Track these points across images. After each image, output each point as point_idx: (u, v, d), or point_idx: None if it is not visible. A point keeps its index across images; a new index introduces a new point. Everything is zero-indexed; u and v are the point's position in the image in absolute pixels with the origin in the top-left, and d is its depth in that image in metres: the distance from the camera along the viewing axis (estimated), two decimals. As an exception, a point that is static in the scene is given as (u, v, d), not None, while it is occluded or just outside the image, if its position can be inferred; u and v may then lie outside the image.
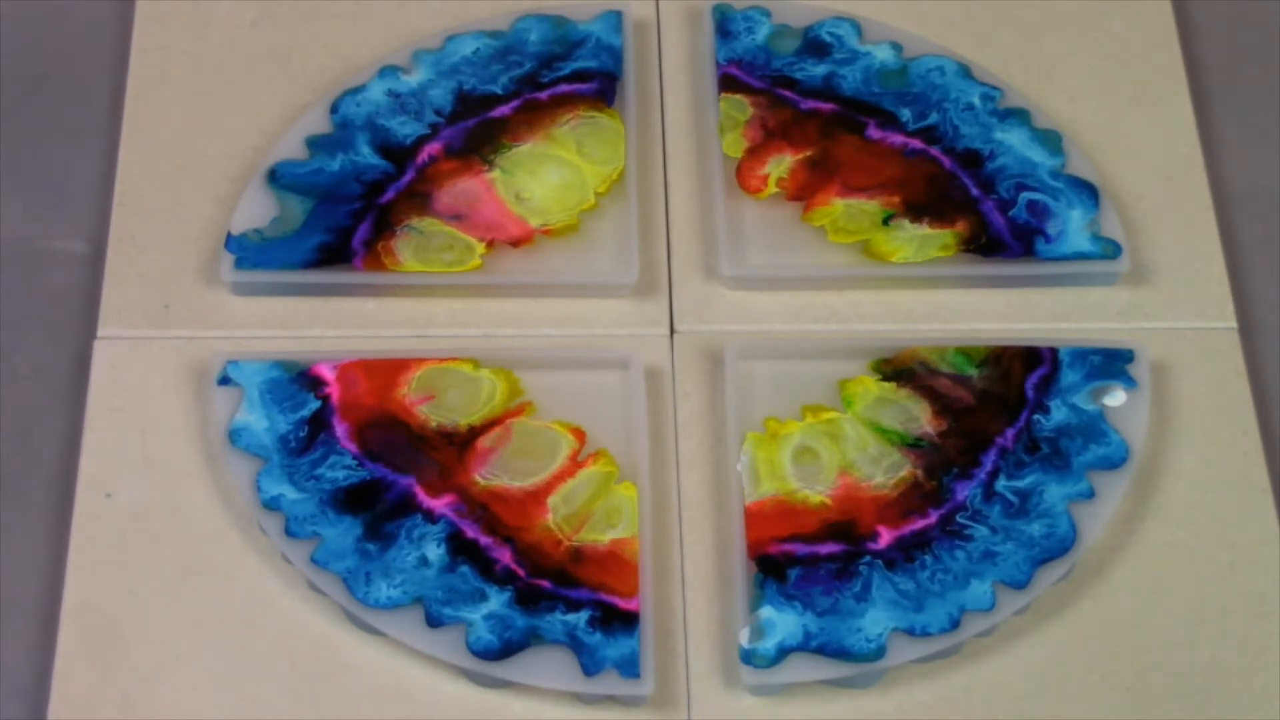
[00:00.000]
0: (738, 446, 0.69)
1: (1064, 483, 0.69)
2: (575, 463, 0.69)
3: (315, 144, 0.75)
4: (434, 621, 0.65)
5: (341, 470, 0.68)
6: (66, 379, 0.73)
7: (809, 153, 0.76)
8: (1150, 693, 0.66)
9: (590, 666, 0.65)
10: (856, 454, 0.70)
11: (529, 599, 0.66)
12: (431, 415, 0.70)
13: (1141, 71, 0.80)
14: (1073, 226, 0.74)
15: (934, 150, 0.76)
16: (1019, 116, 0.77)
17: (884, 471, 0.69)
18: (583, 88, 0.77)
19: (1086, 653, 0.67)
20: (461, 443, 0.69)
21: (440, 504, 0.68)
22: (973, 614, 0.66)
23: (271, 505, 0.67)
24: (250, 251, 0.73)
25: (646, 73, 0.80)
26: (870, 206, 0.75)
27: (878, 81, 0.78)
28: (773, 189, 0.76)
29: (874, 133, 0.77)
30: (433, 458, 0.69)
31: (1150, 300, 0.75)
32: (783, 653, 0.65)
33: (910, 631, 0.66)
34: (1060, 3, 0.82)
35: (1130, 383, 0.71)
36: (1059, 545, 0.67)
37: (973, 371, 0.71)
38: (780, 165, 0.76)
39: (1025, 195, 0.75)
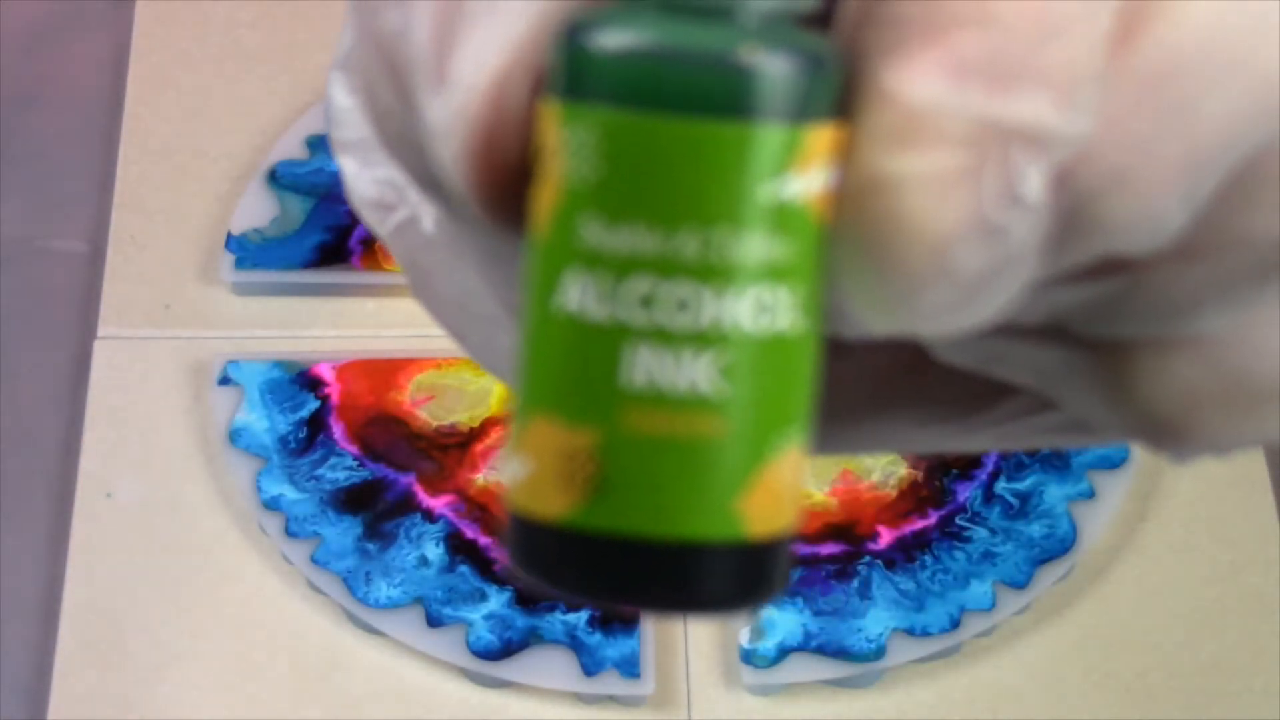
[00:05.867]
0: (738, 446, 0.69)
1: (1064, 483, 0.69)
2: (575, 463, 0.69)
3: (315, 144, 0.75)
4: (434, 621, 0.65)
5: (342, 471, 0.68)
6: (66, 379, 0.73)
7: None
8: (1150, 693, 0.66)
9: (590, 666, 0.65)
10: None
11: (529, 599, 0.66)
12: (431, 416, 0.70)
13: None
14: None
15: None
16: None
17: (884, 472, 0.69)
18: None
19: (1086, 653, 0.67)
20: (461, 443, 0.69)
21: (439, 503, 0.68)
22: (973, 614, 0.66)
23: (271, 505, 0.67)
24: (250, 251, 0.73)
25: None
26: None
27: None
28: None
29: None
30: (432, 458, 0.69)
31: (1150, 300, 0.75)
32: (783, 653, 0.65)
33: (910, 631, 0.66)
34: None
35: (1130, 383, 0.71)
36: (1059, 545, 0.67)
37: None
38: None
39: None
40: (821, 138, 0.18)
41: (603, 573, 0.19)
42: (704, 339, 0.19)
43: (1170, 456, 0.21)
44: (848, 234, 0.18)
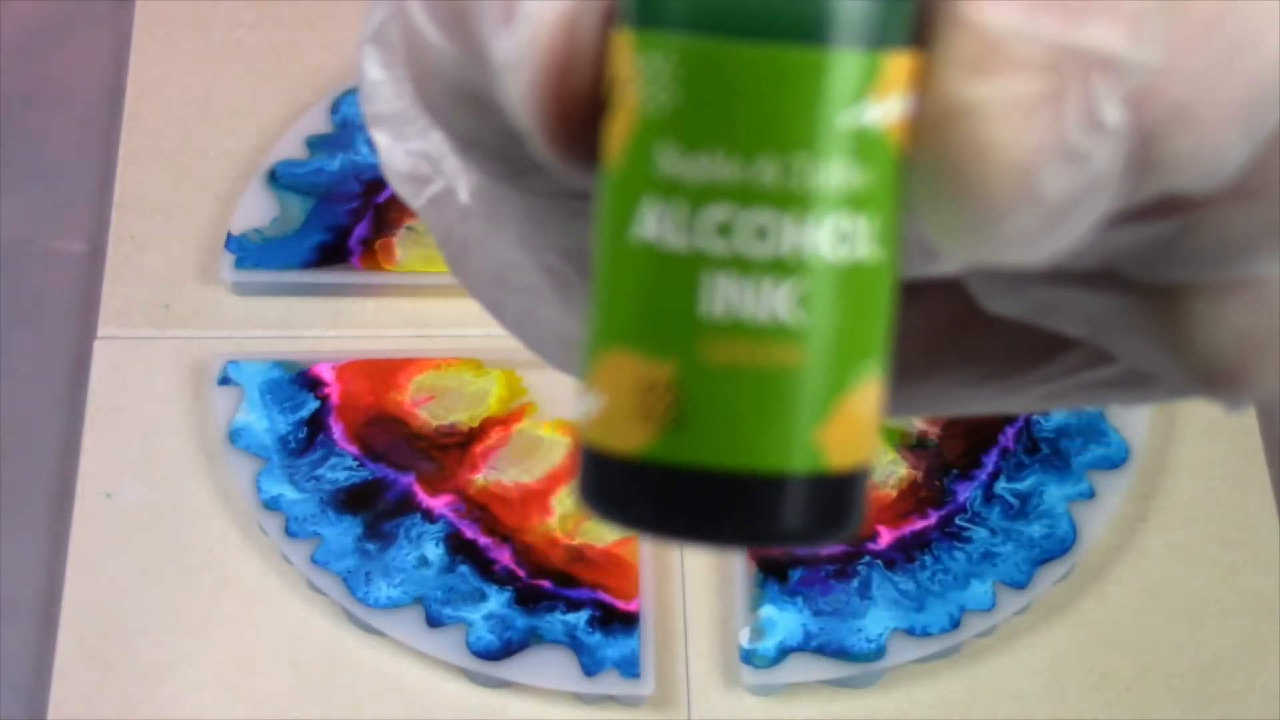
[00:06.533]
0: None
1: (1064, 483, 0.69)
2: (575, 463, 0.69)
3: (315, 144, 0.75)
4: (434, 621, 0.65)
5: (342, 471, 0.68)
6: (66, 379, 0.73)
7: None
8: (1150, 693, 0.66)
9: (590, 666, 0.65)
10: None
11: (529, 599, 0.66)
12: (431, 416, 0.70)
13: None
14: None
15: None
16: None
17: (884, 471, 0.69)
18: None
19: (1086, 653, 0.67)
20: (461, 443, 0.69)
21: (439, 503, 0.68)
22: (973, 614, 0.66)
23: (271, 505, 0.67)
24: (250, 251, 0.73)
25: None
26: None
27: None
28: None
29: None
30: (432, 458, 0.69)
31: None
32: (783, 653, 0.65)
33: (910, 631, 0.66)
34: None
35: (1130, 383, 0.71)
36: (1059, 545, 0.67)
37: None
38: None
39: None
40: (899, 65, 0.18)
41: (680, 506, 0.19)
42: (783, 267, 0.18)
43: (1224, 403, 0.21)
44: (928, 161, 0.18)
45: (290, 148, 0.75)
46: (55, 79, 0.80)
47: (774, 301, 0.19)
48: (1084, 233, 0.18)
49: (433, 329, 0.73)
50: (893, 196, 0.19)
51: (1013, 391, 0.24)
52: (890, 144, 0.19)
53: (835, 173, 0.18)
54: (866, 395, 0.19)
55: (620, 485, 0.19)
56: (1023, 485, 0.69)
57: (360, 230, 0.73)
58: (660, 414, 0.19)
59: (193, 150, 0.77)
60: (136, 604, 0.67)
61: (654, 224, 0.19)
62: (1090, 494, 0.68)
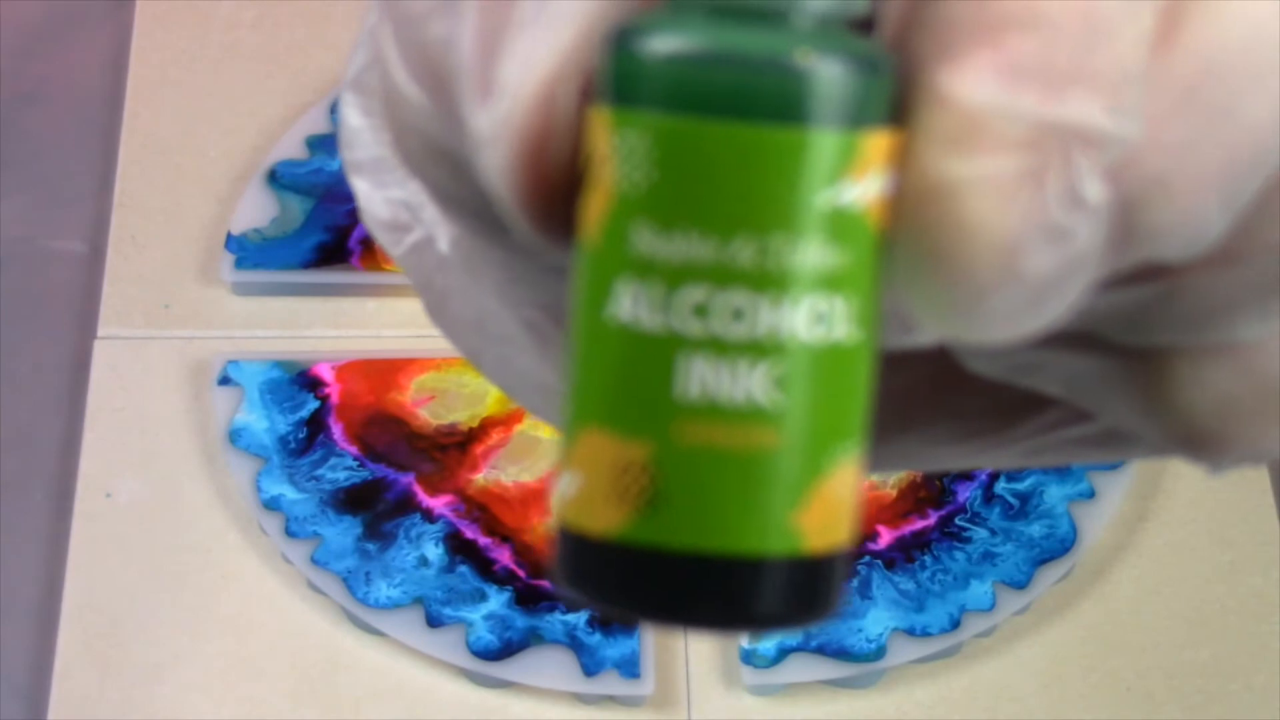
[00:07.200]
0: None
1: (1064, 483, 0.69)
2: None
3: (315, 144, 0.75)
4: (434, 621, 0.65)
5: (342, 471, 0.68)
6: (66, 379, 0.73)
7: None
8: (1150, 693, 0.66)
9: (590, 666, 0.65)
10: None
11: (529, 599, 0.66)
12: (431, 416, 0.70)
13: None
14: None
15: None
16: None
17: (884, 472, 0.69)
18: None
19: (1086, 653, 0.67)
20: (461, 443, 0.69)
21: (439, 503, 0.68)
22: (973, 614, 0.66)
23: (271, 505, 0.67)
24: (250, 251, 0.73)
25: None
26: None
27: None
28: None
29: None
30: (432, 458, 0.69)
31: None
32: (783, 653, 0.65)
33: (910, 631, 0.66)
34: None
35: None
36: (1059, 545, 0.67)
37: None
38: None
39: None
40: (878, 143, 0.18)
41: (656, 589, 0.19)
42: (759, 349, 0.18)
43: (1207, 466, 0.21)
44: (909, 240, 0.18)
45: (290, 148, 0.75)
46: (55, 79, 0.80)
47: (750, 383, 0.18)
48: (1069, 307, 0.18)
49: (432, 329, 0.73)
50: (871, 276, 0.19)
51: (991, 449, 0.24)
52: (869, 223, 0.18)
53: (812, 254, 0.18)
54: (844, 477, 0.19)
55: (596, 566, 0.19)
56: (1022, 485, 0.69)
57: (360, 230, 0.73)
58: (635, 495, 0.19)
59: (193, 150, 0.77)
60: (136, 604, 0.67)
61: (629, 304, 0.18)
62: (1090, 494, 0.68)
